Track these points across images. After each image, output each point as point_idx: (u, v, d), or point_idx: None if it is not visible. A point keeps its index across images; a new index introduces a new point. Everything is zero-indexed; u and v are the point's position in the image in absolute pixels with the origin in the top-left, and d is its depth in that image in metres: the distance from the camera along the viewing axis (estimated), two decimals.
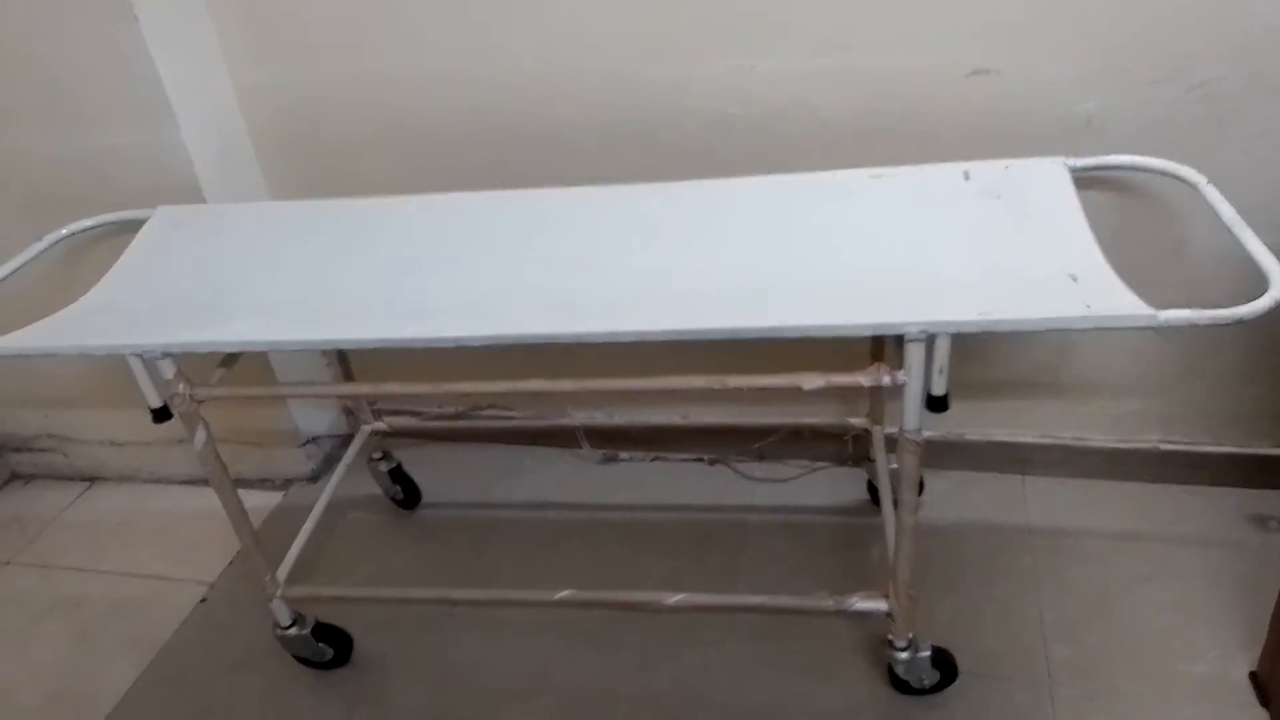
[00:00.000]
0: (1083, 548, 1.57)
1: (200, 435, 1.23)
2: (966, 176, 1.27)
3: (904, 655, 1.29)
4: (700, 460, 1.87)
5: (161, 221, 1.44)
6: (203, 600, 1.69)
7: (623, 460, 1.91)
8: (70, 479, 2.09)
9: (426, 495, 1.85)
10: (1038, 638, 1.42)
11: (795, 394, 1.74)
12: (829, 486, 1.76)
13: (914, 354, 1.02)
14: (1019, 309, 1.00)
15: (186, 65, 1.51)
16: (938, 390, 1.05)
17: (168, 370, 1.17)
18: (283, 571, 1.42)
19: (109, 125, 1.53)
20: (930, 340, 1.01)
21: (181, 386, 1.18)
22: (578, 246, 1.25)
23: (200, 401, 1.20)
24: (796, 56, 1.39)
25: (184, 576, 1.75)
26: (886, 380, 1.05)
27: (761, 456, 1.84)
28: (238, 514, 1.32)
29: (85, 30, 1.43)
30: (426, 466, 1.86)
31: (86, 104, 1.51)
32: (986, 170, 1.27)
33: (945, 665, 1.33)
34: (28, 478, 2.12)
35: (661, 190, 1.34)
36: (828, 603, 1.27)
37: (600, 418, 1.86)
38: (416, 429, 1.89)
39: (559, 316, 1.10)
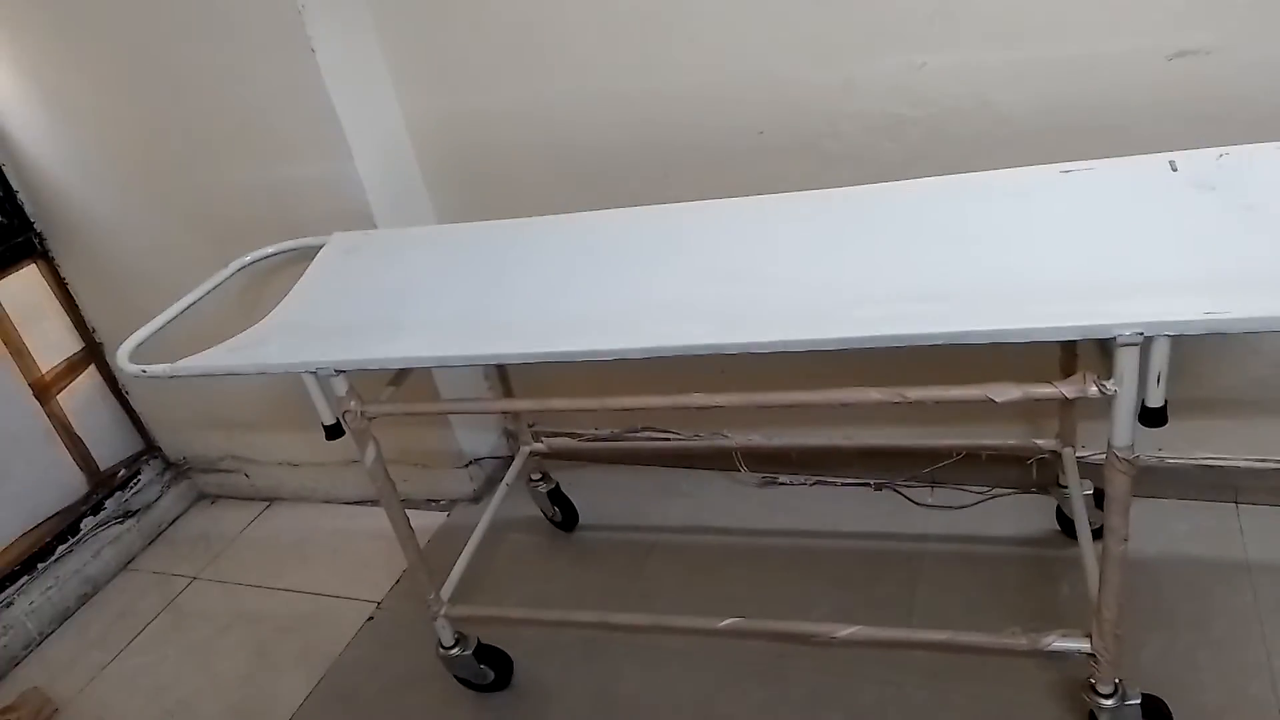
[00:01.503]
0: None
1: (370, 451, 1.25)
2: (1174, 167, 1.14)
3: (1109, 703, 1.15)
4: (866, 485, 1.78)
5: (336, 247, 1.49)
6: (370, 619, 1.73)
7: (782, 484, 1.83)
8: (251, 499, 2.20)
9: (584, 517, 1.83)
10: (1267, 688, 1.25)
11: (971, 413, 1.64)
12: (1011, 515, 1.63)
13: (1127, 360, 0.91)
14: (1253, 306, 0.88)
15: (360, 98, 1.57)
16: (1154, 401, 0.94)
17: (340, 387, 1.19)
18: (446, 591, 1.42)
19: (289, 157, 1.60)
20: (1146, 344, 0.90)
21: (353, 403, 1.20)
22: (742, 258, 1.21)
23: (371, 418, 1.22)
24: (970, 49, 1.30)
25: (354, 595, 1.79)
26: (1093, 391, 0.94)
27: (934, 482, 1.73)
28: (405, 531, 1.33)
29: (268, 68, 1.52)
30: (584, 488, 1.84)
31: (269, 138, 1.60)
32: (1197, 160, 1.14)
33: (1158, 715, 1.18)
34: (214, 497, 2.25)
35: (827, 197, 1.27)
36: (1021, 641, 1.16)
37: (758, 439, 1.79)
38: (574, 450, 1.88)
39: (724, 328, 1.05)
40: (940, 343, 0.94)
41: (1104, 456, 1.00)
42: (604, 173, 1.60)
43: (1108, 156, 1.18)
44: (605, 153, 1.58)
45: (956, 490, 1.70)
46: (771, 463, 1.84)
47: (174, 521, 2.19)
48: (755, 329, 1.03)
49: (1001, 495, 1.67)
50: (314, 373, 1.17)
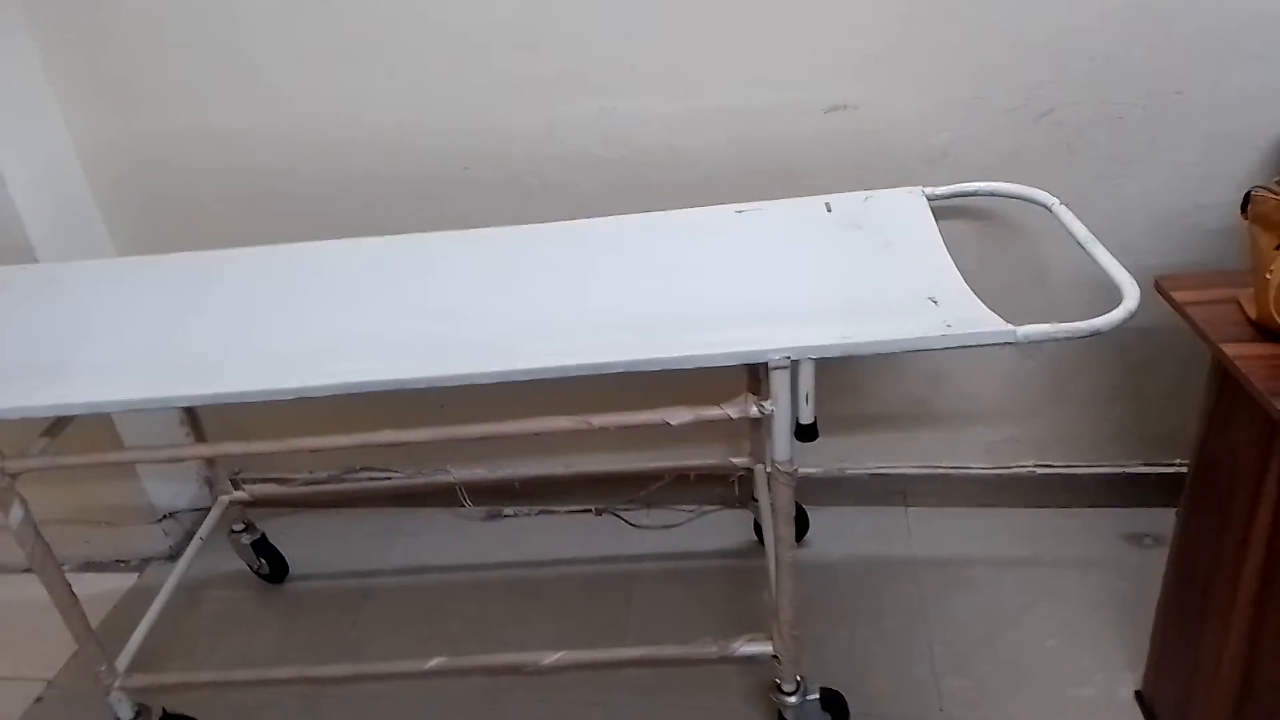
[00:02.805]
0: (967, 576, 1.57)
1: (16, 513, 1.11)
2: (829, 209, 1.28)
3: (793, 699, 1.24)
4: (587, 511, 1.82)
5: None
6: (39, 699, 1.53)
7: (507, 516, 1.84)
8: None
9: (295, 567, 1.73)
10: (928, 671, 1.40)
11: (676, 437, 1.72)
12: (717, 530, 1.73)
13: (779, 381, 1.00)
14: (880, 331, 0.99)
15: (15, 116, 1.41)
16: (805, 418, 1.03)
17: None
18: (123, 660, 1.29)
19: None
20: (794, 367, 0.99)
21: None
22: (435, 292, 1.21)
23: (14, 475, 1.08)
24: (659, 99, 1.39)
25: (19, 674, 1.58)
26: (754, 410, 1.03)
27: (649, 504, 1.80)
28: (65, 599, 1.19)
29: None
30: (295, 536, 1.75)
31: None
32: (847, 202, 1.29)
33: (835, 707, 1.29)
34: None
35: (522, 233, 1.31)
36: (712, 649, 1.23)
37: (481, 473, 1.78)
38: (282, 496, 1.77)
39: (410, 362, 1.04)
40: (619, 370, 0.98)
41: None
42: (302, 207, 1.54)
43: (777, 198, 1.30)
44: (303, 186, 1.52)
45: (670, 510, 1.78)
46: (496, 495, 1.83)
47: None
48: (448, 363, 1.03)
49: (709, 512, 1.77)
50: None
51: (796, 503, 1.60)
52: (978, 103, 1.35)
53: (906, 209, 1.27)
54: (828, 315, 1.05)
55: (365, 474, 1.84)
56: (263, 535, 1.67)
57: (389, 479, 1.83)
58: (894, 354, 1.49)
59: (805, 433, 1.04)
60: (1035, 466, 1.68)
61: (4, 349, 1.18)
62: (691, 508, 1.78)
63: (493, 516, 1.84)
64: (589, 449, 1.77)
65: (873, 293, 1.10)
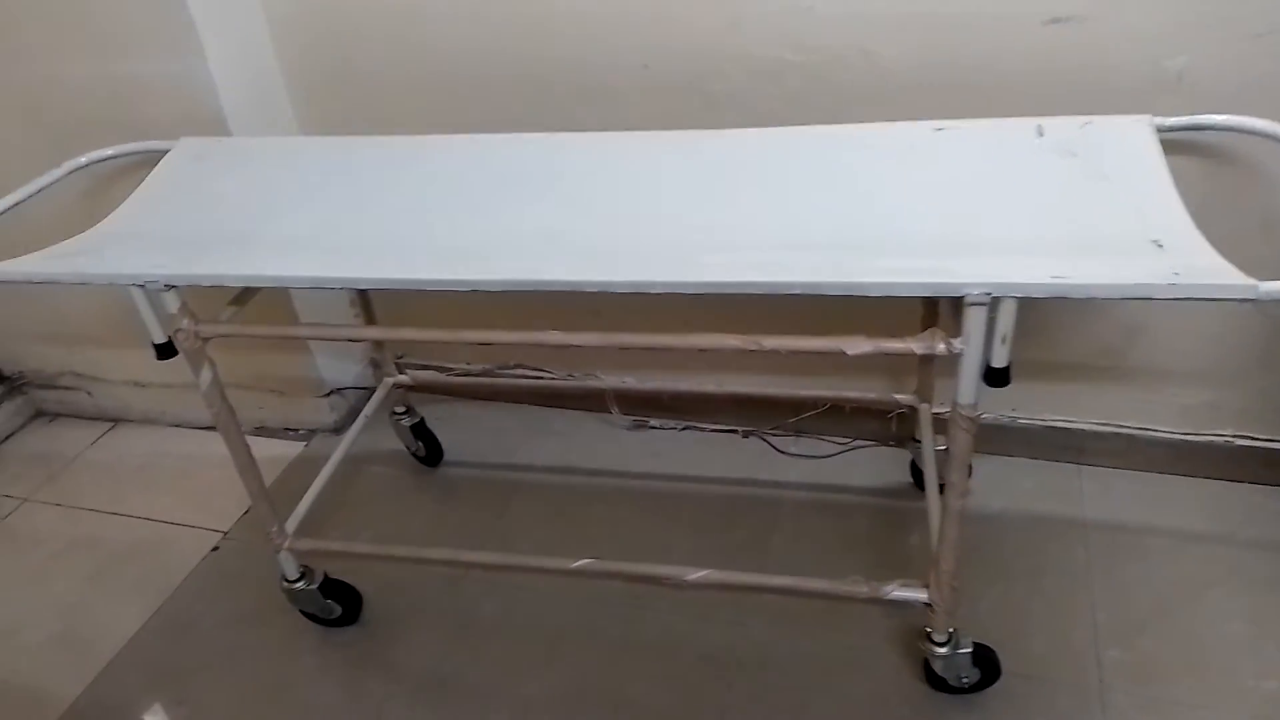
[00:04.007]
0: (1143, 545, 1.45)
1: (206, 375, 1.17)
2: (1040, 132, 1.16)
3: (943, 650, 1.19)
4: (733, 432, 1.78)
5: (183, 153, 1.38)
6: (215, 549, 1.65)
7: (653, 428, 1.83)
8: (94, 419, 2.06)
9: (449, 453, 1.78)
10: (1089, 639, 1.31)
11: (836, 366, 1.66)
12: (869, 466, 1.66)
13: (974, 319, 0.92)
14: (1096, 273, 0.89)
15: None
16: (998, 361, 0.95)
17: (172, 304, 1.10)
18: (292, 523, 1.36)
19: (133, 52, 1.46)
20: (993, 304, 0.91)
21: (186, 322, 1.12)
22: (613, 193, 1.17)
23: (206, 339, 1.14)
24: None
25: (199, 524, 1.71)
26: (941, 348, 0.95)
27: (798, 431, 1.75)
28: (244, 459, 1.26)
29: None
30: (450, 424, 1.79)
31: (110, 28, 1.45)
32: (1062, 126, 1.16)
33: (987, 664, 1.23)
34: (52, 415, 2.11)
35: (706, 137, 1.25)
36: (862, 589, 1.18)
37: (631, 382, 1.77)
38: (441, 384, 1.82)
39: (586, 265, 1.01)
40: (797, 292, 0.93)
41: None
42: (479, 97, 1.52)
43: (980, 116, 1.19)
44: (481, 75, 1.50)
45: (820, 440, 1.73)
46: (643, 406, 1.82)
47: (6, 439, 2.04)
48: (617, 268, 1.00)
49: (862, 447, 1.70)
50: (141, 286, 1.08)
51: None
52: (1223, 24, 1.18)
53: (1130, 139, 1.13)
54: (1033, 250, 0.95)
55: (519, 371, 1.87)
56: (422, 419, 1.72)
57: (540, 378, 1.85)
58: (1093, 299, 1.36)
59: (996, 377, 0.96)
60: (1234, 436, 1.52)
61: (200, 219, 1.22)
62: (843, 440, 1.72)
63: (638, 426, 1.84)
64: (740, 369, 1.72)
65: (1087, 229, 0.99)
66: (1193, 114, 1.14)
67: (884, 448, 1.69)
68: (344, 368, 1.88)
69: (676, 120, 1.44)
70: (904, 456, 1.63)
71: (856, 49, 1.31)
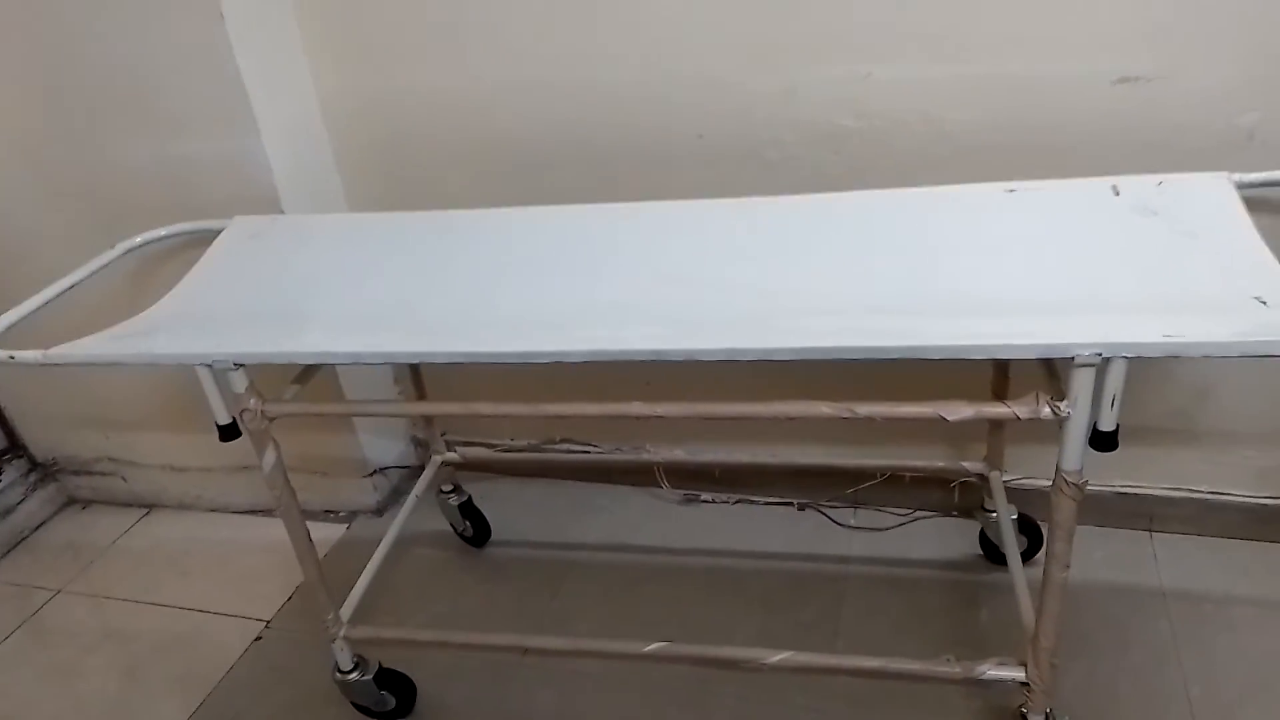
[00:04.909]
0: (1228, 615, 1.39)
1: (270, 456, 1.14)
2: (1116, 192, 1.14)
3: None
4: (789, 504, 1.74)
5: (238, 231, 1.36)
6: (258, 638, 1.59)
7: (704, 501, 1.78)
8: (128, 504, 2.01)
9: (497, 532, 1.73)
10: (1186, 715, 1.25)
11: (895, 434, 1.62)
12: (934, 538, 1.61)
13: (1082, 381, 0.89)
14: (1206, 332, 0.86)
15: (270, 68, 1.45)
16: (1107, 425, 0.92)
17: (239, 383, 1.07)
18: (346, 610, 1.31)
19: (188, 132, 1.47)
20: (1102, 366, 0.88)
21: (253, 401, 1.09)
22: (685, 262, 1.15)
23: (272, 418, 1.10)
24: (918, 63, 1.28)
25: (240, 612, 1.65)
26: (1046, 412, 0.92)
27: (856, 503, 1.70)
28: (304, 544, 1.22)
29: (168, 29, 1.38)
30: (495, 502, 1.75)
31: (166, 108, 1.45)
32: (1138, 185, 1.14)
33: None
34: (85, 502, 2.06)
35: (767, 204, 1.23)
36: (955, 669, 1.12)
37: (681, 455, 1.73)
38: (489, 460, 1.78)
39: (668, 333, 0.99)
40: (897, 356, 0.90)
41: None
42: (532, 169, 1.52)
43: (1048, 177, 1.17)
44: (534, 148, 1.50)
45: (879, 512, 1.68)
46: (694, 479, 1.78)
47: (38, 528, 1.99)
48: (704, 335, 0.97)
49: (924, 518, 1.65)
50: (209, 365, 1.06)
51: (1029, 517, 1.49)
52: None
53: (1210, 196, 1.11)
54: (1133, 310, 0.93)
55: (565, 445, 1.83)
56: (469, 498, 1.68)
57: (588, 453, 1.81)
58: (1157, 361, 1.33)
59: (1104, 442, 0.92)
60: None
61: (261, 297, 1.20)
62: (904, 511, 1.67)
63: (689, 500, 1.79)
64: (793, 438, 1.69)
65: (1185, 288, 0.96)
66: (1269, 170, 1.13)
67: (947, 518, 1.64)
68: (387, 446, 1.84)
69: (732, 189, 1.43)
70: (969, 526, 1.58)
71: (918, 113, 1.31)
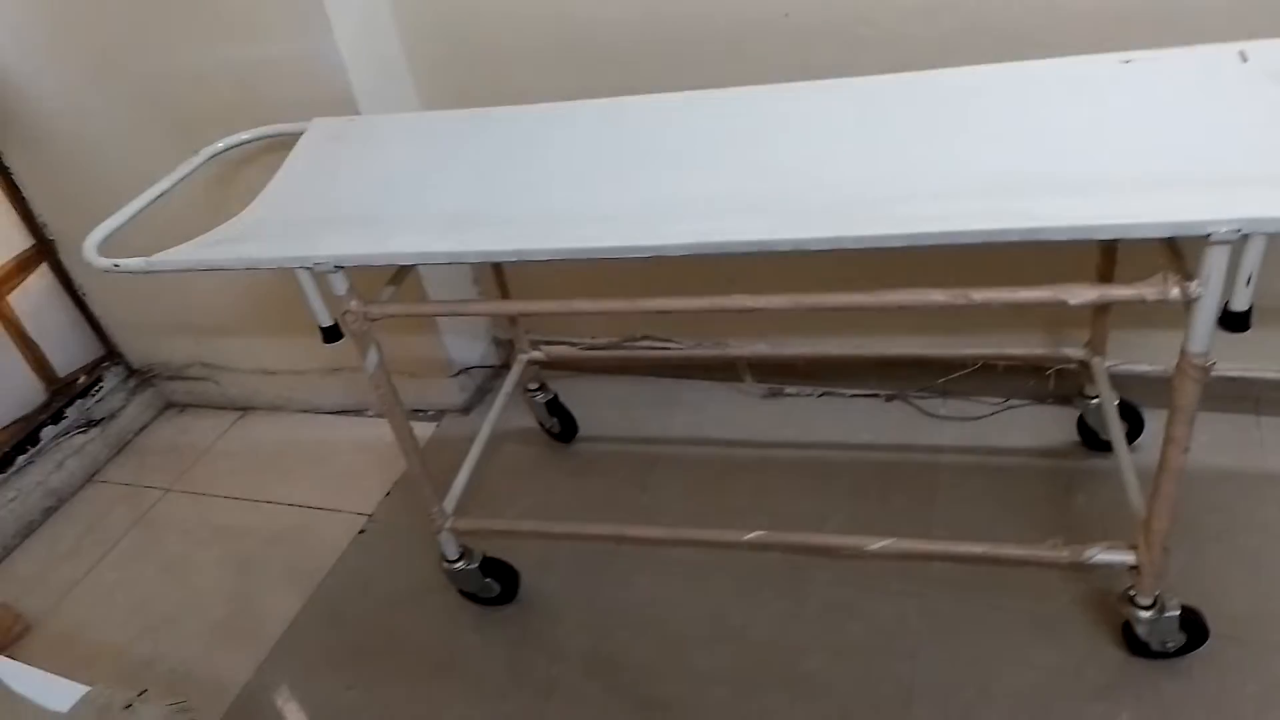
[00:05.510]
0: None
1: (373, 356, 1.15)
2: (1244, 58, 1.06)
3: (1148, 615, 1.13)
4: (875, 396, 1.72)
5: (318, 134, 1.35)
6: (361, 531, 1.65)
7: (788, 395, 1.77)
8: (223, 408, 2.08)
9: (583, 428, 1.76)
10: None
11: (986, 321, 1.58)
12: (1028, 426, 1.59)
13: (1215, 260, 0.84)
14: None
15: None
16: (1240, 304, 0.87)
17: (340, 285, 1.08)
18: (450, 503, 1.34)
19: (259, 34, 1.44)
20: (1239, 243, 0.83)
21: (354, 303, 1.10)
22: (772, 150, 1.11)
23: (374, 320, 1.11)
24: None
25: (341, 507, 1.71)
26: (1175, 293, 0.88)
27: (945, 393, 1.68)
28: (408, 440, 1.24)
29: None
30: (579, 399, 1.76)
31: (237, 11, 1.43)
32: (1268, 50, 1.06)
33: (1194, 627, 1.16)
34: (182, 406, 2.13)
35: (866, 85, 1.17)
36: (1063, 553, 1.12)
37: (764, 349, 1.71)
38: (573, 359, 1.78)
39: (769, 223, 0.96)
40: (1018, 239, 0.86)
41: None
42: (609, 56, 1.46)
43: (1167, 45, 1.09)
44: (605, 38, 1.44)
45: (969, 401, 1.66)
46: (777, 373, 1.77)
47: (140, 431, 2.08)
48: (811, 224, 0.94)
49: (1017, 406, 1.62)
50: (309, 269, 1.06)
51: (1130, 403, 1.45)
52: None
53: None
54: (1264, 183, 0.87)
55: (647, 342, 1.82)
56: (555, 395, 1.69)
57: (670, 349, 1.81)
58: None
59: (1236, 322, 0.88)
60: None
61: (349, 199, 1.20)
62: (996, 400, 1.64)
63: (773, 394, 1.78)
64: (879, 330, 1.65)
65: None
66: None
67: (1041, 406, 1.61)
68: (470, 346, 1.85)
69: (819, 71, 1.36)
70: (1063, 413, 1.55)
71: None
